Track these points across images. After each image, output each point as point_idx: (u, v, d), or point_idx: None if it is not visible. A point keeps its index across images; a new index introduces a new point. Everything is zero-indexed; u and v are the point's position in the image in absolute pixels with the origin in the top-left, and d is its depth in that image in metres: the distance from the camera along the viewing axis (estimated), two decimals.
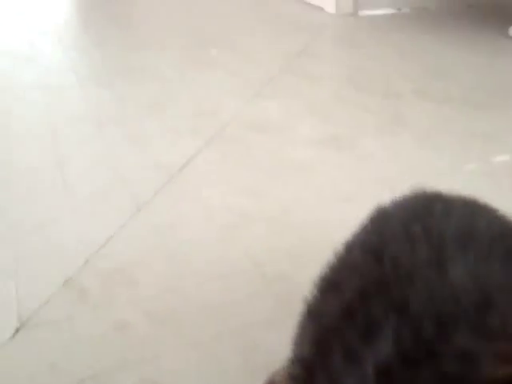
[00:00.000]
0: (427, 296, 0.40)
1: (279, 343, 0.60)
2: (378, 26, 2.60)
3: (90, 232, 1.07)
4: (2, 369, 0.80)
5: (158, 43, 2.28)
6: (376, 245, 0.52)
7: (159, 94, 1.72)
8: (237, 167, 1.28)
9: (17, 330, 0.86)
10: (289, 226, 1.09)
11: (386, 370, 0.36)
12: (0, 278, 0.97)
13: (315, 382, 0.42)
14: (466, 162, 1.32)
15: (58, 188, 1.20)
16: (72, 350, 0.83)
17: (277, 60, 2.06)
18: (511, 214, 0.54)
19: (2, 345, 0.83)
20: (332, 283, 0.53)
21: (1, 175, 1.28)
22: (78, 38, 2.43)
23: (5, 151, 1.40)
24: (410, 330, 0.38)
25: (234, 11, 2.90)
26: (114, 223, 1.08)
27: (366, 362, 0.37)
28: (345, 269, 0.53)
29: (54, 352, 0.83)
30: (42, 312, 0.89)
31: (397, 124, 1.54)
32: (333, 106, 1.68)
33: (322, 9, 2.88)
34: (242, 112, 1.57)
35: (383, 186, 1.18)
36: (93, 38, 2.38)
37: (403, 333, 0.38)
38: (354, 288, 0.46)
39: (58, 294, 0.93)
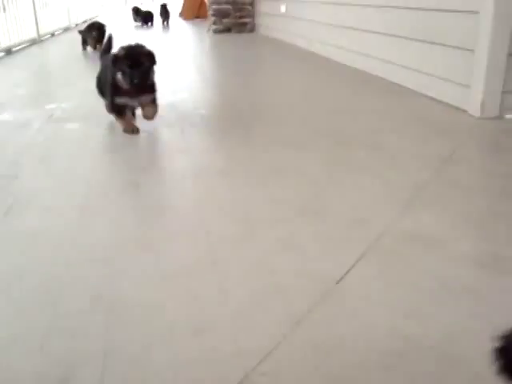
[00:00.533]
0: None
1: None
2: None
3: (246, 343, 1.05)
4: None
5: (300, 142, 2.33)
6: None
7: (310, 197, 1.72)
8: (395, 284, 1.22)
9: None
10: (458, 359, 1.00)
11: None
12: None
13: None
14: None
15: (214, 291, 1.21)
16: None
17: (424, 165, 2.01)
18: None
19: None
20: None
21: (155, 271, 1.32)
22: (224, 136, 2.55)
23: (160, 247, 1.45)
24: None
25: (374, 109, 2.93)
26: (271, 335, 1.06)
27: None
28: None
29: None
30: None
31: None
32: (488, 219, 1.58)
33: (465, 111, 2.83)
34: (395, 222, 1.52)
35: None
36: (238, 137, 2.49)
37: None
38: None
39: None
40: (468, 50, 2.81)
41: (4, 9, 6.23)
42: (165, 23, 10.36)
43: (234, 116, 2.86)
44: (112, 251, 1.41)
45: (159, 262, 1.34)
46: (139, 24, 10.27)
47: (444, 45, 3.06)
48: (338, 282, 1.22)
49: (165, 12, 10.31)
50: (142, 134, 2.51)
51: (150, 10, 10.64)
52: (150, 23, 10.32)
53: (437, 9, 3.11)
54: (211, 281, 1.25)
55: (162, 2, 10.64)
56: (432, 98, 3.12)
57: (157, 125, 2.63)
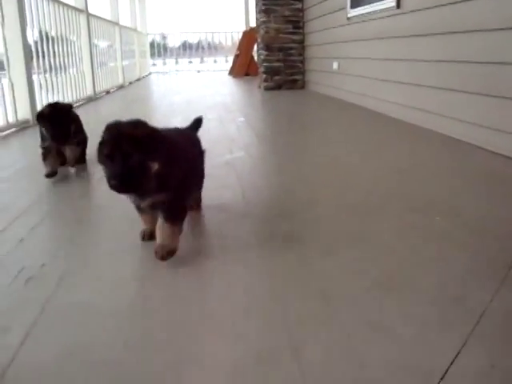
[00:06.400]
0: None
1: None
2: None
3: None
4: None
5: (369, 207, 2.17)
6: None
7: (390, 270, 1.54)
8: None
9: None
10: None
11: None
12: None
13: None
14: None
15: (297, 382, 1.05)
16: None
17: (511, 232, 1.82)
18: None
19: None
20: None
21: (227, 358, 1.17)
22: (286, 197, 2.43)
23: (229, 331, 1.31)
24: None
25: (439, 167, 2.76)
26: None
27: None
28: None
29: None
30: None
31: None
32: None
33: None
34: (496, 300, 1.33)
35: None
36: (301, 200, 2.36)
37: None
38: None
39: None
40: None
41: (65, 69, 6.45)
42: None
43: (294, 177, 2.73)
44: None
45: (231, 348, 1.19)
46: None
47: (504, 97, 2.89)
48: (442, 378, 1.04)
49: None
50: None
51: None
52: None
53: (494, 61, 2.97)
54: (292, 369, 1.09)
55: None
56: (503, 156, 2.92)
57: (215, 186, 2.53)
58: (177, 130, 1.94)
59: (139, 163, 1.49)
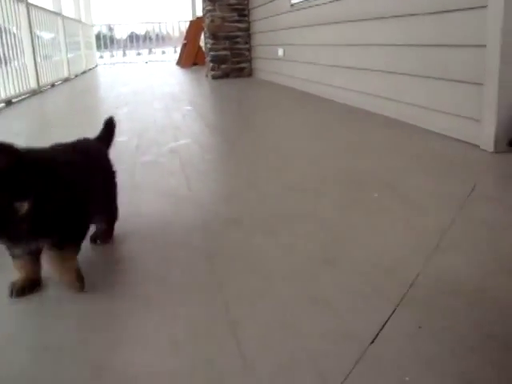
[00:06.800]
0: None
1: None
2: None
3: None
4: None
5: (310, 185, 2.23)
6: None
7: (328, 245, 1.59)
8: (438, 343, 1.08)
9: None
10: None
11: None
12: None
13: None
14: None
15: (235, 358, 1.07)
16: None
17: (445, 205, 1.90)
18: None
19: None
20: None
21: (165, 336, 1.18)
22: (230, 181, 2.45)
23: (167, 305, 1.32)
24: None
25: (382, 148, 2.84)
26: None
27: None
28: None
29: None
30: None
31: None
32: None
33: (476, 146, 2.74)
34: (426, 269, 1.39)
35: None
36: (245, 183, 2.39)
37: None
38: None
39: None
40: (477, 83, 2.74)
41: (5, 62, 6.25)
42: None
43: (238, 161, 2.76)
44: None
45: (168, 325, 1.21)
46: None
47: (451, 80, 2.99)
48: (373, 341, 1.08)
49: None
50: (144, 183, 2.39)
51: None
52: None
53: (441, 44, 3.06)
54: (229, 345, 1.11)
55: None
56: (441, 135, 3.03)
57: (159, 173, 2.53)
58: (68, 148, 1.47)
59: (1, 205, 1.11)
